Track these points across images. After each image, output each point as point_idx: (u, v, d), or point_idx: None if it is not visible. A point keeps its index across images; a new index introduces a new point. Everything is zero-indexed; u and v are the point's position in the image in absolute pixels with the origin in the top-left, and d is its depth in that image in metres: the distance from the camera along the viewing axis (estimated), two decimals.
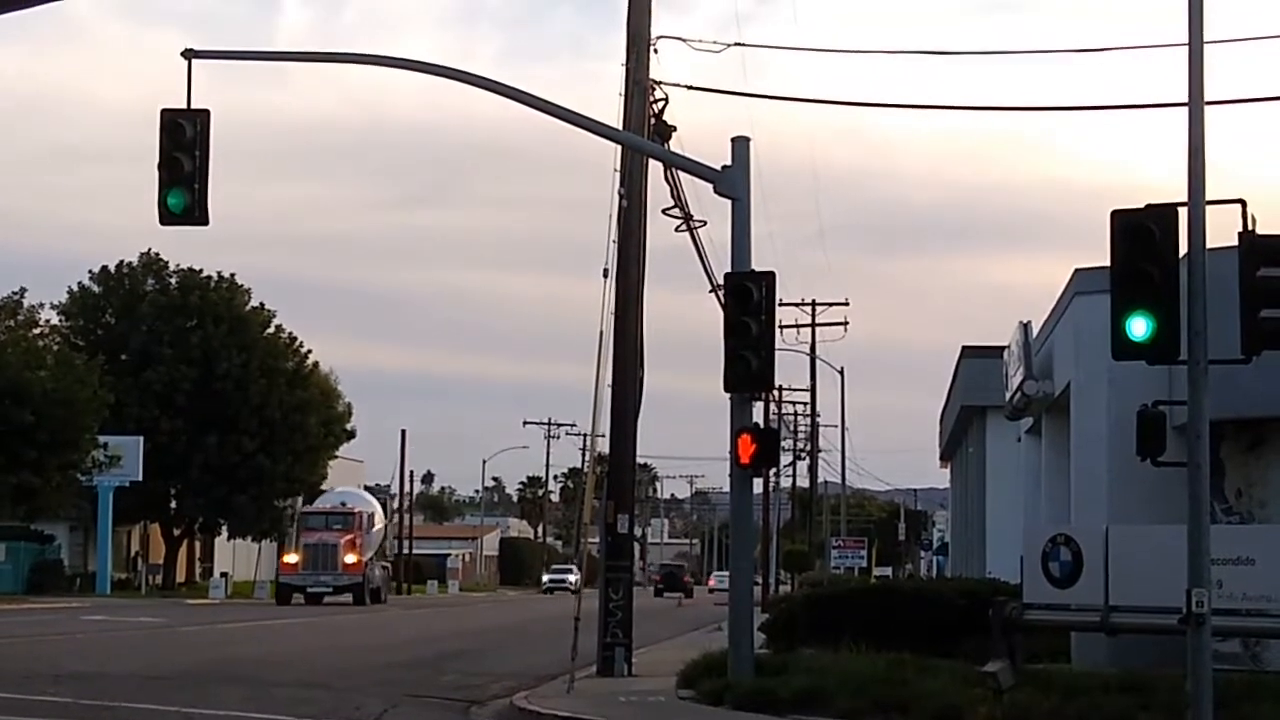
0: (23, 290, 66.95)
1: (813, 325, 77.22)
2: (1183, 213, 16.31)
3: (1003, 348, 33.67)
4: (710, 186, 22.88)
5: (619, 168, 26.32)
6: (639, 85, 26.71)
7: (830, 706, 19.08)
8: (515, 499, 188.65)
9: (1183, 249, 16.29)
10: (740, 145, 22.60)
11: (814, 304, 76.85)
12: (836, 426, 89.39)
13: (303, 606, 65.20)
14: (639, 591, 34.01)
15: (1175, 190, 16.57)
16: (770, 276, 21.68)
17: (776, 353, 22.19)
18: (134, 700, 20.36)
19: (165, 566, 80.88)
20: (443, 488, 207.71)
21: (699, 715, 19.90)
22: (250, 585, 79.11)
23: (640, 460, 30.59)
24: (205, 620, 47.02)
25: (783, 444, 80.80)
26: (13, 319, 66.85)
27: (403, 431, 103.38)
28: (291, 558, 71.61)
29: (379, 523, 76.30)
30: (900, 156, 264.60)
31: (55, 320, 76.96)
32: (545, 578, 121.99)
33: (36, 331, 69.33)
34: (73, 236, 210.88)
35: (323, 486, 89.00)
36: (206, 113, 21.06)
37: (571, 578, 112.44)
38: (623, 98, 26.80)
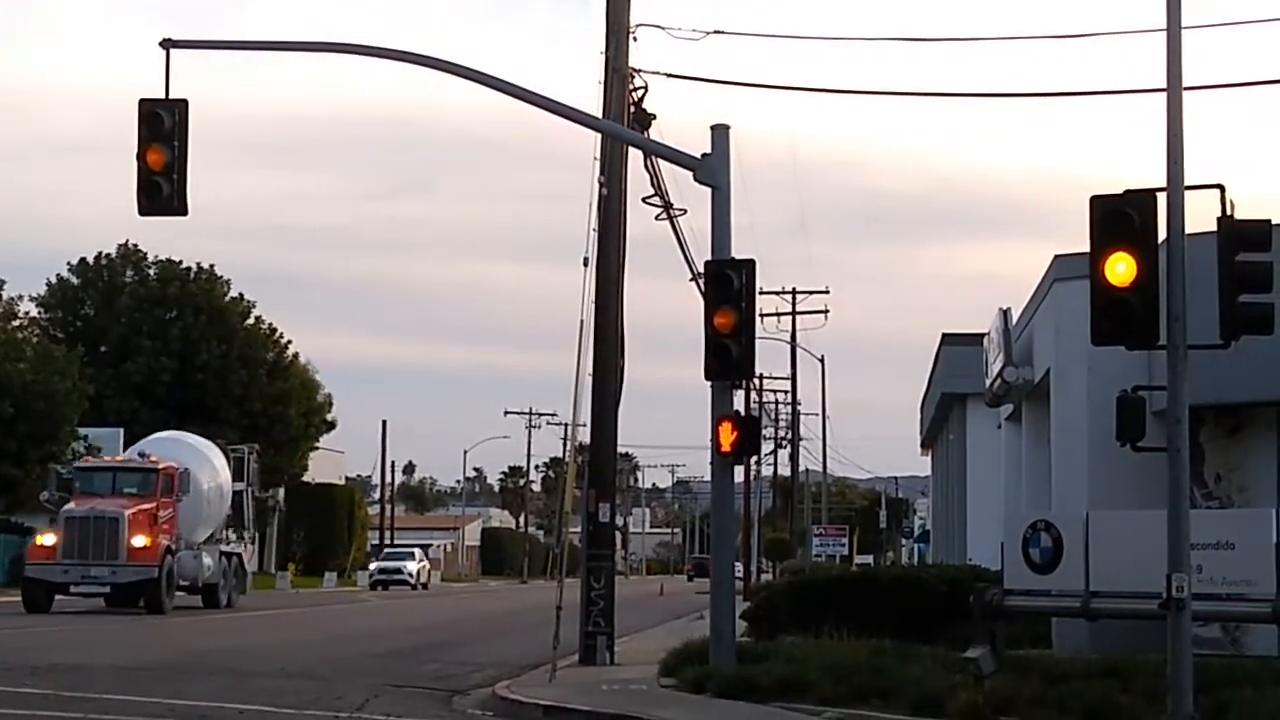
0: (1, 283, 66.86)
1: (793, 313, 77.31)
2: (1162, 198, 16.36)
3: (983, 335, 33.73)
4: (690, 175, 22.88)
5: (599, 156, 26.31)
6: (618, 73, 26.69)
7: (812, 694, 19.11)
8: (497, 489, 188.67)
9: (1162, 234, 16.35)
10: (720, 133, 22.60)
11: (794, 292, 76.93)
12: (817, 415, 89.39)
13: (121, 614, 43.25)
14: (620, 581, 34.00)
15: (1155, 177, 16.62)
16: (750, 264, 21.67)
17: (757, 341, 22.20)
18: (115, 691, 20.31)
19: (372, 562, 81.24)
20: (424, 478, 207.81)
21: (681, 703, 19.92)
22: None
23: (621, 449, 30.66)
24: (186, 612, 46.89)
25: (764, 432, 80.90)
26: None
27: (383, 422, 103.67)
28: (47, 539, 46.68)
29: (215, 485, 51.08)
30: (881, 144, 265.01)
31: (34, 312, 76.91)
32: (373, 566, 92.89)
33: (15, 324, 69.19)
34: (51, 228, 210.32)
35: (304, 478, 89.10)
36: (185, 103, 21.06)
37: (412, 566, 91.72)
38: (602, 86, 26.79)
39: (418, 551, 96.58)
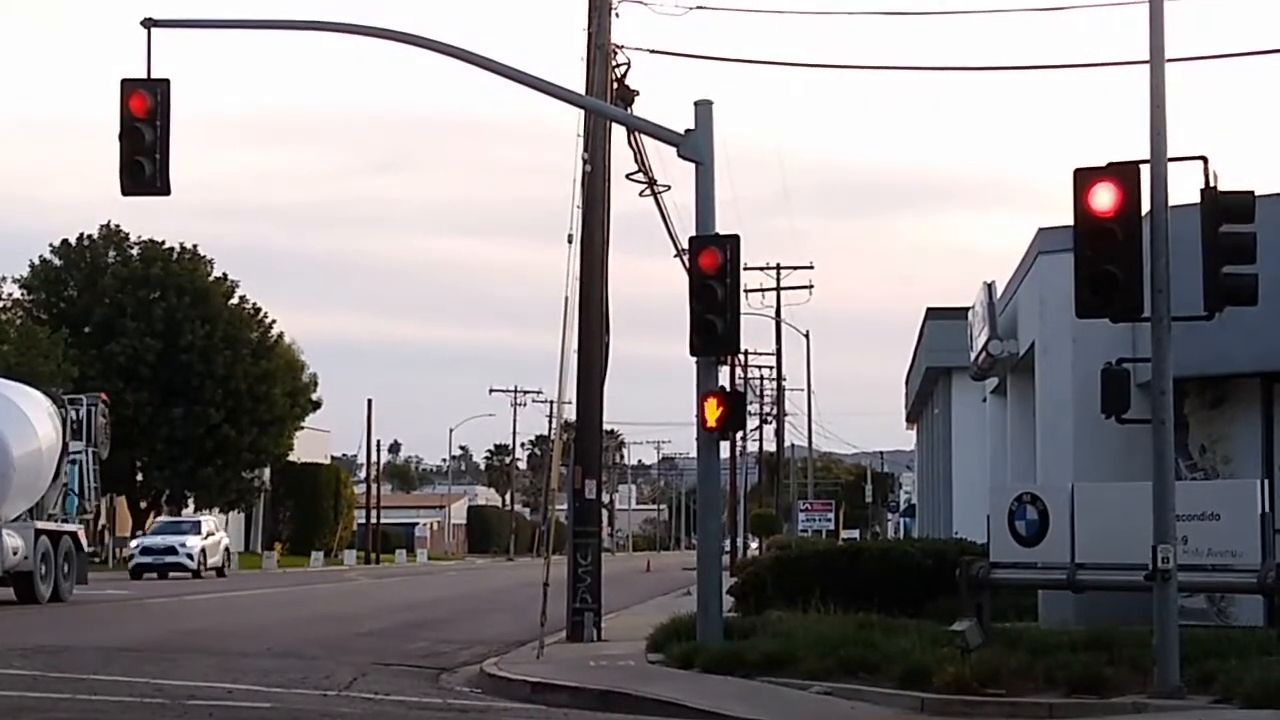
0: None
1: (778, 289, 77.40)
2: (1145, 170, 16.39)
3: (967, 308, 33.78)
4: (674, 151, 22.87)
5: (582, 133, 26.27)
6: (601, 49, 26.66)
7: (799, 668, 19.15)
8: (483, 467, 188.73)
9: (1145, 206, 16.38)
10: (703, 108, 22.58)
11: (779, 267, 77.05)
12: (803, 390, 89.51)
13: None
14: (607, 557, 34.04)
15: (1138, 149, 16.66)
16: (734, 239, 21.67)
17: (742, 316, 22.21)
18: (103, 672, 20.30)
19: (133, 540, 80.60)
20: (409, 457, 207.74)
21: (668, 679, 19.94)
22: None
23: (607, 426, 30.65)
24: (173, 592, 46.90)
25: (749, 408, 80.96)
26: None
27: (369, 401, 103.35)
28: None
29: (32, 447, 38.73)
30: (864, 117, 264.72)
31: (17, 294, 76.70)
32: (133, 544, 65.61)
33: None
34: (33, 209, 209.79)
35: (289, 458, 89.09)
36: (167, 82, 21.01)
37: (193, 543, 62.88)
38: (585, 62, 26.76)
39: (205, 521, 67.46)
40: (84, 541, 42.12)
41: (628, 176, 28.10)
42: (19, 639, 25.64)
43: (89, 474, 43.01)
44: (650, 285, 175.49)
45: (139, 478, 78.97)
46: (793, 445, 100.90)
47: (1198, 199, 16.50)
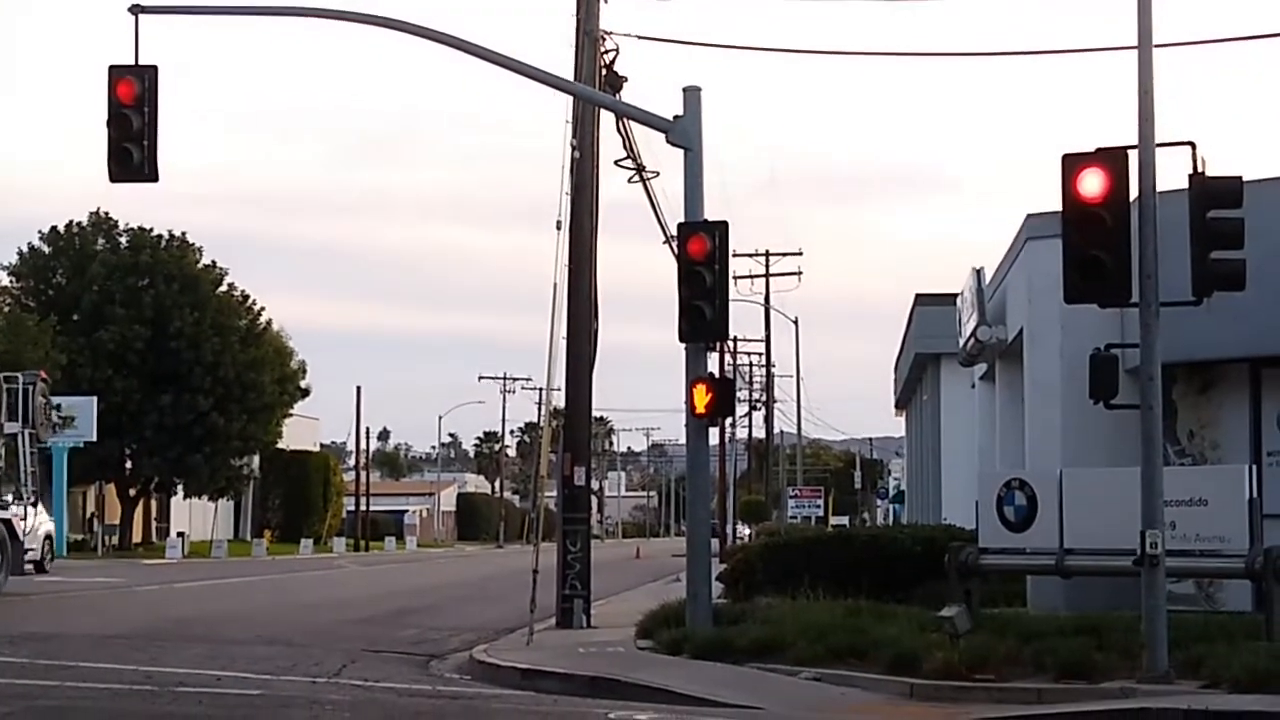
0: None
1: (766, 276, 77.40)
2: (1133, 155, 16.41)
3: (956, 295, 33.79)
4: (663, 137, 22.87)
5: (571, 119, 26.25)
6: (589, 36, 26.63)
7: (788, 654, 19.18)
8: (472, 454, 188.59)
9: (1133, 192, 16.40)
10: (691, 95, 22.59)
11: (767, 254, 77.03)
12: (791, 377, 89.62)
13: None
14: (596, 545, 34.07)
15: (1127, 135, 16.67)
16: (723, 226, 21.69)
17: (731, 303, 22.22)
18: (92, 659, 20.29)
19: (121, 527, 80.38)
20: (399, 444, 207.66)
21: (658, 665, 19.96)
22: (207, 545, 78.89)
23: (596, 413, 30.68)
24: (162, 580, 46.85)
25: (738, 394, 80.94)
26: None
27: (358, 388, 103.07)
28: None
29: None
30: (854, 104, 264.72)
31: (5, 281, 76.57)
32: None
33: None
34: (21, 197, 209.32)
35: (279, 445, 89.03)
36: (154, 68, 20.97)
37: None
38: (573, 49, 26.73)
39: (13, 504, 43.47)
40: (19, 529, 37.21)
41: (616, 163, 28.09)
42: (7, 626, 25.60)
43: (26, 457, 39.12)
44: (639, 272, 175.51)
45: (127, 465, 78.85)
46: (782, 432, 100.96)
47: (1186, 184, 16.52)
